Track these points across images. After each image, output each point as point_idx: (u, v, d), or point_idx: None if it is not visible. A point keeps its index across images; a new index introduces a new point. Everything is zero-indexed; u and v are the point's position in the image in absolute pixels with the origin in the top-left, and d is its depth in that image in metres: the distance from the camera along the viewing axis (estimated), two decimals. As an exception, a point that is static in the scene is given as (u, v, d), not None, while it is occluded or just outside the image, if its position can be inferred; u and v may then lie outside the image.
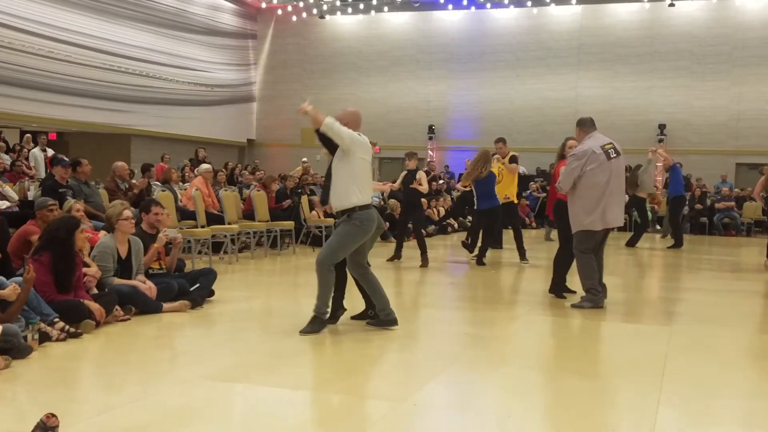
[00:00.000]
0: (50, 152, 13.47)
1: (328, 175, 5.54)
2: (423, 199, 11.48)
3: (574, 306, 6.79)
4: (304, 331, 5.29)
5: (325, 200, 5.60)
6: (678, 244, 13.90)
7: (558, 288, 7.37)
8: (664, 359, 4.87)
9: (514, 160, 11.26)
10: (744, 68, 21.42)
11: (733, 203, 19.84)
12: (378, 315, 5.59)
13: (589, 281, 6.78)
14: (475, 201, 10.48)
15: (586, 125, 6.95)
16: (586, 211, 6.65)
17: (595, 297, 6.75)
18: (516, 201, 11.52)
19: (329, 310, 5.47)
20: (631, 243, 14.00)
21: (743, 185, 21.19)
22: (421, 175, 10.11)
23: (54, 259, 5.23)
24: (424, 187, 10.14)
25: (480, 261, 10.28)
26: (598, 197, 6.61)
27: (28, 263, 4.68)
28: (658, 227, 18.71)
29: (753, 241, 17.89)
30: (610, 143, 6.80)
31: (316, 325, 5.34)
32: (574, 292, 7.30)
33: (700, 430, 3.60)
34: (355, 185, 5.28)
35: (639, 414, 3.79)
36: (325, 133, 5.19)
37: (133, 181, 10.75)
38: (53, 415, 2.64)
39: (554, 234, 9.59)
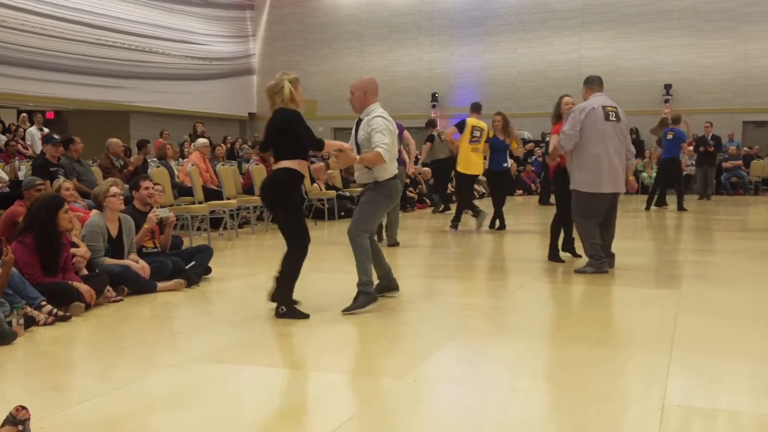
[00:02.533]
0: (47, 131, 13.29)
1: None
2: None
3: (577, 271, 6.64)
4: (348, 310, 5.11)
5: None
6: (659, 203, 14.04)
7: (553, 253, 7.35)
8: (674, 324, 4.70)
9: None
10: (750, 25, 20.93)
11: (740, 162, 19.56)
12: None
13: (590, 247, 6.60)
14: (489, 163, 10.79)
15: (593, 83, 6.77)
16: (582, 170, 6.54)
17: (597, 262, 6.57)
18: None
19: (374, 280, 5.32)
20: (680, 206, 13.81)
21: (750, 143, 20.87)
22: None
23: (37, 240, 5.05)
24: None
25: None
26: (594, 158, 6.45)
27: (5, 245, 4.50)
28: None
29: (761, 200, 17.66)
30: (614, 107, 6.62)
31: (360, 300, 5.15)
32: (580, 256, 7.16)
33: (712, 395, 3.44)
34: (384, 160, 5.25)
35: (649, 381, 3.63)
36: (379, 162, 5.15)
37: (129, 158, 10.56)
38: (23, 408, 2.48)
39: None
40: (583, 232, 6.66)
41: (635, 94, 20.27)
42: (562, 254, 7.47)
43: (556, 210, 7.46)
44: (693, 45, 21.38)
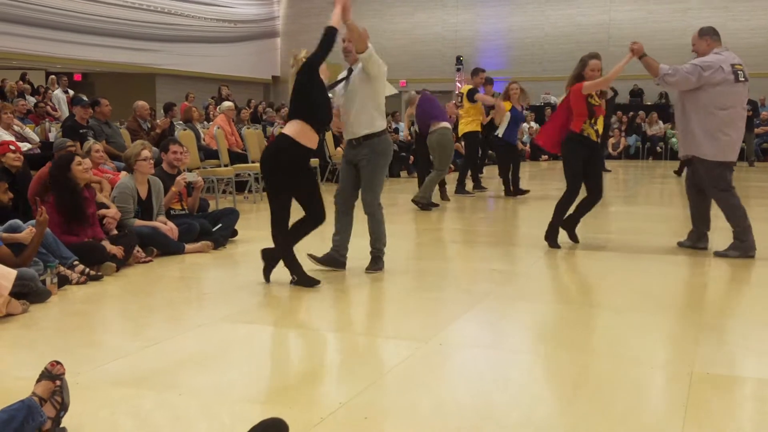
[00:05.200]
0: (72, 93, 13.38)
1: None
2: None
3: (718, 254, 5.81)
4: (370, 269, 5.28)
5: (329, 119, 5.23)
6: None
7: (552, 236, 6.32)
8: (704, 291, 4.67)
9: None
10: (785, -14, 20.37)
11: (773, 128, 19.19)
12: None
13: (740, 227, 5.74)
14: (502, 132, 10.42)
15: (712, 35, 5.79)
16: (714, 138, 5.65)
17: (743, 244, 5.73)
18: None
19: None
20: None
21: (784, 109, 20.42)
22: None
23: (57, 198, 5.14)
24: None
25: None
26: (725, 124, 5.65)
27: (40, 206, 4.57)
28: None
29: (794, 167, 17.36)
30: (741, 65, 5.83)
31: (380, 263, 5.34)
32: (578, 242, 6.46)
33: (742, 363, 3.42)
34: (377, 111, 5.22)
35: (678, 348, 3.63)
36: (365, 59, 5.01)
37: (156, 120, 10.61)
38: (58, 363, 2.54)
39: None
40: (731, 209, 5.78)
41: (666, 57, 19.69)
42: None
43: (567, 186, 6.36)
44: (725, 8, 20.86)
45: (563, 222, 6.40)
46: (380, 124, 5.22)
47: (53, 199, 5.14)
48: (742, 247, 5.73)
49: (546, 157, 19.26)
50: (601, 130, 6.26)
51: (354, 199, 5.37)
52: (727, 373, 3.29)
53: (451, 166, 15.05)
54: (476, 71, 10.59)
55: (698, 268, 5.34)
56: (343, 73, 5.35)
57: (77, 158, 5.34)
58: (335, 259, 5.34)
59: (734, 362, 3.47)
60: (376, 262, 5.35)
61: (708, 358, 3.47)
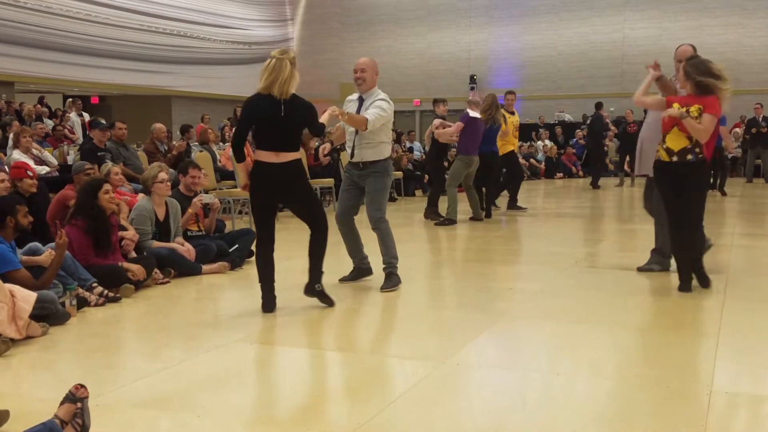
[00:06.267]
0: (87, 117, 13.54)
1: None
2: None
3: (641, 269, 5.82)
4: (386, 288, 5.35)
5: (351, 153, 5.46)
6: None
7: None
8: (721, 310, 4.64)
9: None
10: (799, 2, 20.34)
11: (789, 144, 19.04)
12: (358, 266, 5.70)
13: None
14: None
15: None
16: None
17: (664, 258, 5.76)
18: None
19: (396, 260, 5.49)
20: (720, 190, 13.60)
21: (798, 125, 20.29)
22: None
23: (87, 222, 5.20)
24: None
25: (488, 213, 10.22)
26: None
27: (60, 229, 4.64)
28: None
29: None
30: None
31: (394, 279, 5.41)
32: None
33: (760, 381, 3.39)
34: (386, 139, 5.51)
35: (695, 368, 3.61)
36: (370, 129, 5.23)
37: (173, 142, 10.73)
38: (82, 386, 2.58)
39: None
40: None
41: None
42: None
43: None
44: (739, 24, 20.84)
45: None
46: (387, 151, 5.47)
47: (82, 222, 5.21)
48: (664, 261, 5.83)
49: (561, 174, 19.22)
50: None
51: (354, 215, 5.62)
52: (746, 391, 3.27)
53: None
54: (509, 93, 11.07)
55: (717, 286, 5.30)
56: (353, 96, 5.52)
57: (106, 186, 5.42)
58: (360, 270, 5.68)
59: (753, 381, 3.44)
60: (390, 279, 5.40)
61: (726, 377, 3.44)
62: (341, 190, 5.68)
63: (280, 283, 5.70)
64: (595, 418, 2.98)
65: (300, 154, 4.89)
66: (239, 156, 4.82)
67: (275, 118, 4.57)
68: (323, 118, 4.88)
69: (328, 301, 4.88)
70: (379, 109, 5.22)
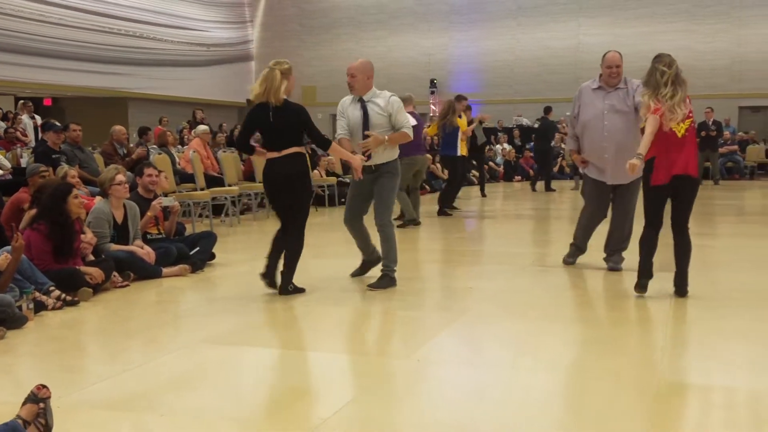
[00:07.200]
0: (39, 119, 13.29)
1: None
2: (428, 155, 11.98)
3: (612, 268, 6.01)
4: (375, 286, 5.39)
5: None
6: None
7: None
8: (671, 305, 4.79)
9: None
10: (745, 10, 20.99)
11: (736, 147, 19.68)
12: (367, 262, 5.82)
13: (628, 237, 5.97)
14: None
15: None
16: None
17: (623, 258, 6.02)
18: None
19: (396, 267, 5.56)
20: None
21: (747, 128, 20.99)
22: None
23: (51, 227, 5.13)
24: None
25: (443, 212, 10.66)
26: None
27: (16, 232, 4.57)
28: None
29: (756, 184, 17.79)
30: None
31: (384, 281, 5.44)
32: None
33: (706, 374, 3.52)
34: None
35: (646, 359, 3.74)
36: (406, 140, 5.51)
37: (131, 145, 10.60)
38: (44, 387, 2.57)
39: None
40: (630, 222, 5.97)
41: (632, 78, 20.30)
42: None
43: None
44: (689, 30, 21.41)
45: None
46: (397, 151, 5.57)
47: (45, 226, 5.13)
48: (622, 258, 6.02)
49: (519, 177, 19.48)
50: None
51: (362, 217, 5.68)
52: (693, 382, 3.40)
53: (427, 187, 15.37)
54: (459, 98, 11.05)
55: (668, 282, 5.46)
56: (349, 99, 5.55)
57: (75, 191, 5.35)
58: (369, 262, 5.80)
59: (701, 372, 3.57)
60: (383, 279, 5.45)
61: (675, 367, 3.58)
62: (349, 196, 5.69)
63: (245, 286, 5.72)
64: (552, 409, 3.08)
65: (302, 149, 5.17)
66: (248, 151, 5.72)
67: (267, 123, 5.08)
68: (355, 166, 5.26)
69: (300, 290, 5.22)
70: (403, 115, 5.44)
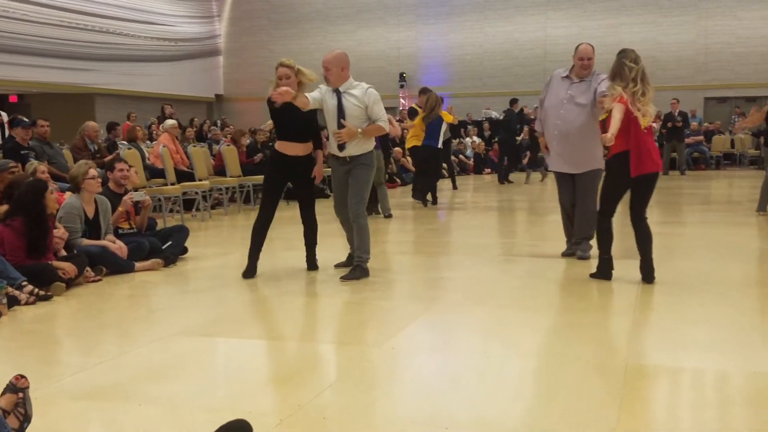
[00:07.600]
0: (5, 116, 13.10)
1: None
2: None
3: (581, 257, 6.16)
4: (347, 278, 5.48)
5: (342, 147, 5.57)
6: None
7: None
8: (637, 291, 4.93)
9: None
10: (710, 1, 21.39)
11: (702, 137, 20.05)
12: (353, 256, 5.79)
13: (593, 228, 5.80)
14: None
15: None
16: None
17: (590, 246, 6.17)
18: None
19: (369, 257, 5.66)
20: None
21: (712, 119, 21.39)
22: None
23: (27, 223, 5.11)
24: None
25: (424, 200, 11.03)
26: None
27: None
28: None
29: (722, 174, 18.17)
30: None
31: (357, 272, 5.52)
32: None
33: (670, 356, 3.64)
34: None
35: (612, 344, 3.86)
36: (382, 133, 5.69)
37: (102, 143, 10.50)
38: (23, 377, 2.59)
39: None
40: (594, 213, 5.77)
41: (601, 72, 20.58)
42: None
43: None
44: (655, 23, 21.75)
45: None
46: (372, 143, 5.64)
47: (20, 223, 5.10)
48: (590, 246, 6.12)
49: (489, 170, 19.65)
50: None
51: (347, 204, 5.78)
52: (659, 364, 3.52)
53: (398, 180, 15.48)
54: (424, 90, 11.32)
55: (634, 270, 5.60)
56: (322, 90, 5.54)
57: (51, 186, 5.34)
58: (353, 256, 5.82)
59: (666, 354, 3.69)
60: (355, 271, 5.51)
61: (641, 352, 3.70)
62: (334, 187, 5.80)
63: (218, 279, 5.75)
64: (522, 394, 3.17)
65: (309, 146, 5.73)
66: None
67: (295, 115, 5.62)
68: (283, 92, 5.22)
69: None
70: (379, 107, 5.52)
